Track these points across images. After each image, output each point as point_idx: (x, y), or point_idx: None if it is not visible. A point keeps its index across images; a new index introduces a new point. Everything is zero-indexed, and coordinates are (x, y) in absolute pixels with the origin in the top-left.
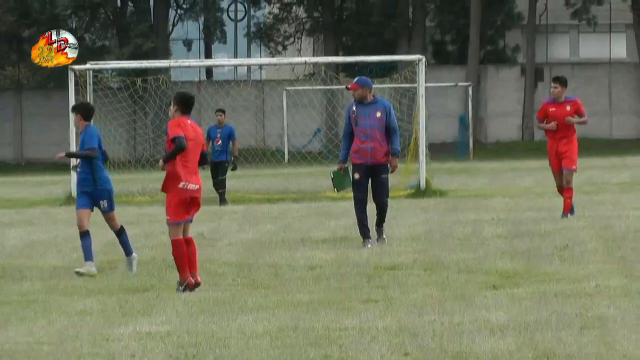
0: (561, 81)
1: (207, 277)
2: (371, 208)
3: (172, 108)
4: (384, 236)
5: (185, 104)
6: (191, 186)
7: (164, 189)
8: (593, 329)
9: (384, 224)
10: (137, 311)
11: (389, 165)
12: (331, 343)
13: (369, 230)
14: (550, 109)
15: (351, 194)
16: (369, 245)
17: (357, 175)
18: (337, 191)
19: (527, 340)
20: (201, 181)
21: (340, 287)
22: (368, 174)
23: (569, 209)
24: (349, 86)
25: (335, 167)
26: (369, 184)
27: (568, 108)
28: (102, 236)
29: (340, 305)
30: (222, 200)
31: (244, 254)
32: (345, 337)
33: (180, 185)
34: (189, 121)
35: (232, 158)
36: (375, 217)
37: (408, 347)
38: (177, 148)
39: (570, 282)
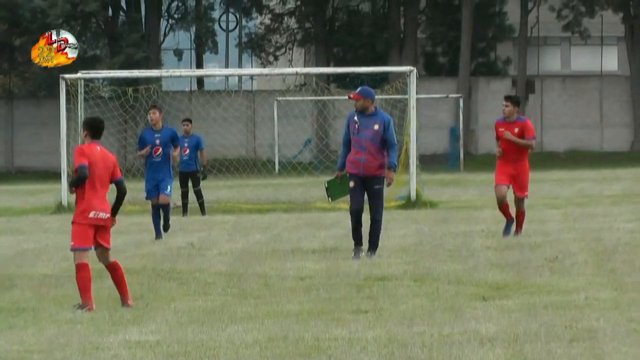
0: (513, 100)
1: (196, 286)
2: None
3: (82, 133)
4: (374, 257)
5: (95, 129)
6: (102, 215)
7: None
8: (582, 341)
9: (377, 250)
10: (127, 320)
11: (383, 177)
12: (321, 353)
13: (361, 240)
14: (500, 129)
15: (343, 204)
16: (360, 254)
17: (351, 183)
18: (332, 200)
19: (517, 352)
20: (110, 208)
21: (330, 298)
22: (363, 184)
23: (521, 228)
24: (352, 95)
25: (327, 178)
26: (364, 194)
27: (516, 130)
28: None
29: (329, 316)
30: (203, 210)
31: (234, 264)
32: (335, 348)
33: (91, 215)
34: (97, 147)
35: (202, 168)
36: (369, 234)
37: (397, 357)
38: (78, 178)
39: (560, 294)
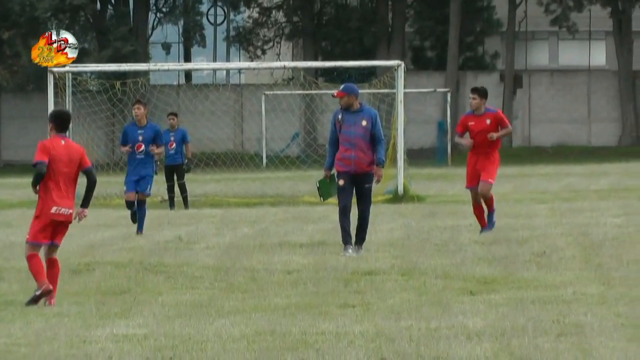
0: (480, 92)
1: (184, 280)
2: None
3: (48, 126)
4: (361, 251)
5: (60, 121)
6: (64, 211)
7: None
8: (570, 336)
9: (363, 243)
10: (114, 313)
11: (373, 174)
12: (308, 347)
13: (351, 238)
14: (470, 123)
15: (333, 200)
16: (350, 251)
17: (341, 182)
18: (324, 200)
19: (504, 347)
20: (74, 204)
21: (317, 292)
22: (352, 181)
23: (492, 208)
24: (335, 94)
25: (315, 172)
26: (353, 190)
27: (488, 122)
28: (79, 238)
29: (317, 310)
30: (186, 204)
31: (221, 258)
32: (322, 342)
33: (53, 210)
34: (62, 141)
35: (186, 160)
36: (356, 229)
37: (385, 352)
38: (35, 176)
39: (547, 288)
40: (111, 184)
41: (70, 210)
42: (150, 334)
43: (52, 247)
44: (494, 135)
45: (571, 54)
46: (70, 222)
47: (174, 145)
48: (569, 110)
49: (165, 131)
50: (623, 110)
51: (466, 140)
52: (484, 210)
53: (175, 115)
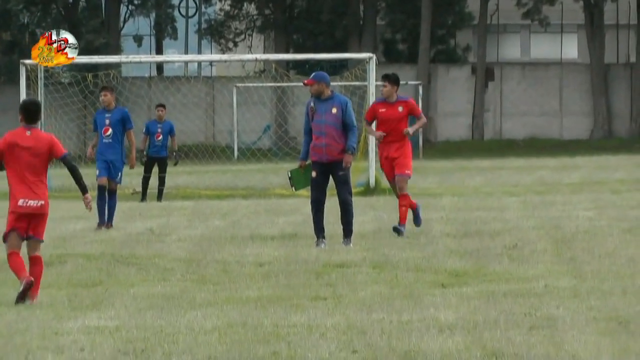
0: (391, 79)
1: (155, 272)
2: (332, 207)
3: (19, 117)
4: (351, 245)
5: (27, 112)
6: (32, 202)
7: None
8: (542, 329)
9: (352, 236)
10: (86, 306)
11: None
12: (279, 340)
13: (323, 231)
14: (381, 110)
15: (303, 191)
16: (322, 246)
17: (314, 174)
18: (296, 190)
19: (476, 340)
20: (45, 194)
21: (289, 284)
22: (325, 172)
23: (404, 219)
24: (306, 82)
25: (287, 165)
26: (327, 184)
27: (400, 109)
28: (51, 230)
29: (288, 302)
30: (160, 197)
31: (193, 250)
32: (294, 334)
33: (20, 203)
34: (27, 132)
35: (174, 154)
36: (340, 220)
37: (356, 344)
38: None
39: (519, 281)
40: (83, 176)
41: (41, 201)
42: (122, 325)
43: (33, 243)
44: (409, 130)
45: (543, 47)
46: (44, 213)
47: (161, 137)
48: (541, 103)
49: (152, 122)
50: (595, 103)
51: (377, 133)
52: (413, 202)
53: (164, 107)
